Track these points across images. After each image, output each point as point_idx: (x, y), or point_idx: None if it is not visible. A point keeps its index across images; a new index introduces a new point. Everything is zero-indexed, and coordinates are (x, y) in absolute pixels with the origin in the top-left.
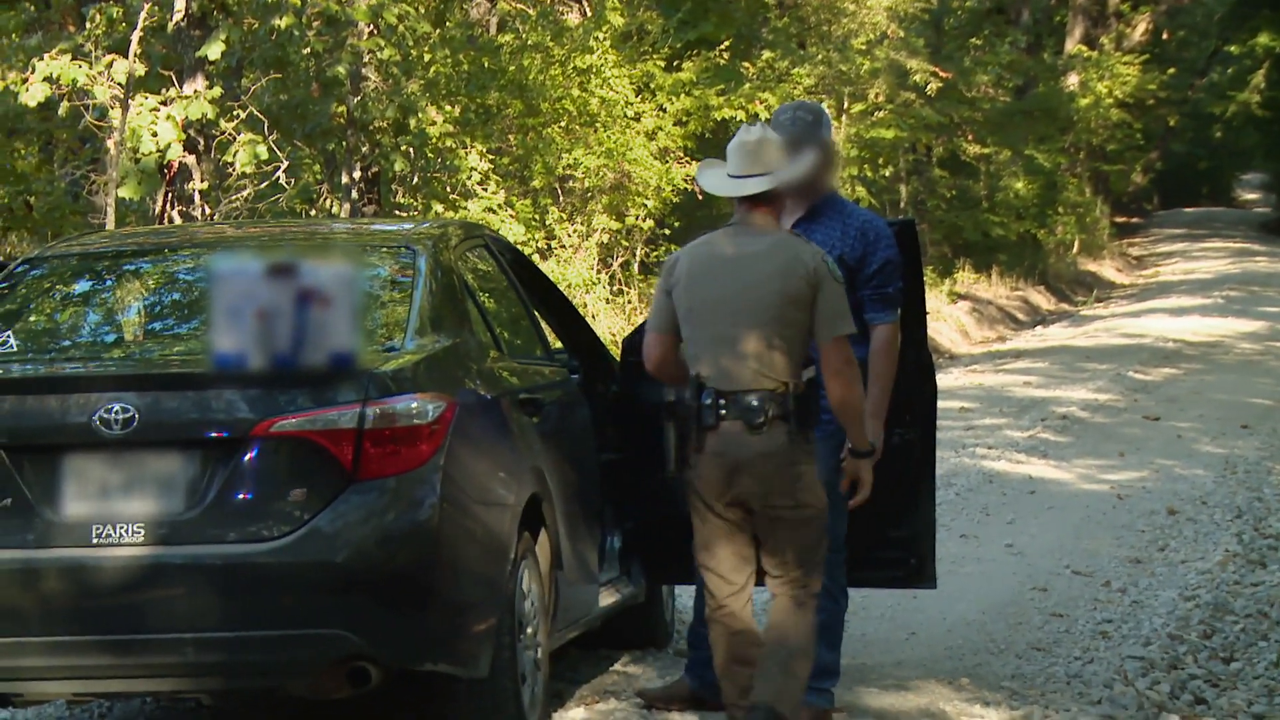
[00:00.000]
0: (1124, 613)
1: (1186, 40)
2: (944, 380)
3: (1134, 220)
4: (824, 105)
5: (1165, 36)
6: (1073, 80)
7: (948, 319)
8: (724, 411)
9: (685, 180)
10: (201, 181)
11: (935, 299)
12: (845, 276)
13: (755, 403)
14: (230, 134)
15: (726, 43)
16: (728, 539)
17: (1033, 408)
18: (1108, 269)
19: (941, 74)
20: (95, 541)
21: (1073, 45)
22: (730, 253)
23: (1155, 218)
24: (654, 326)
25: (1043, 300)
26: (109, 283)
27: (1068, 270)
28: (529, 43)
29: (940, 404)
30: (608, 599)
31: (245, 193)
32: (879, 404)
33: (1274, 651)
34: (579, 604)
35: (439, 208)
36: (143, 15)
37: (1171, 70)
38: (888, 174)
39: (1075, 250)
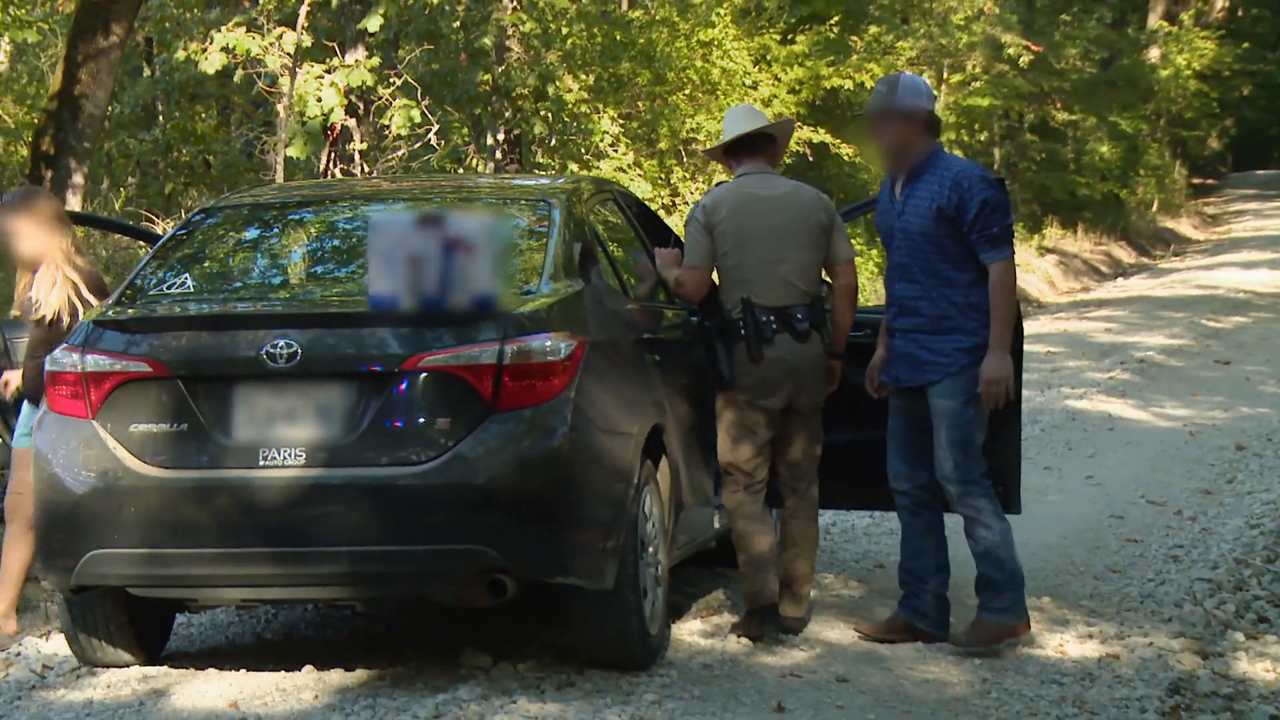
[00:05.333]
0: (1194, 539)
1: (1260, 16)
2: (1032, 327)
3: (1209, 181)
4: (920, 75)
5: (1240, 14)
6: (1154, 53)
7: (1036, 270)
8: (775, 325)
9: (797, 143)
10: (361, 142)
11: (1025, 252)
12: (946, 228)
13: (800, 315)
14: (387, 99)
15: (836, 18)
16: (765, 440)
17: (1113, 352)
18: (1184, 226)
19: (1033, 47)
20: (262, 463)
21: (1155, 21)
22: (765, 193)
23: (1229, 179)
24: (697, 263)
25: (1124, 254)
26: (276, 231)
27: (1147, 227)
28: (657, 17)
29: (1028, 348)
30: (721, 521)
31: (400, 153)
32: (1000, 337)
33: None
34: (696, 525)
35: (574, 167)
36: None
37: (1246, 44)
38: (983, 139)
39: (1155, 209)
